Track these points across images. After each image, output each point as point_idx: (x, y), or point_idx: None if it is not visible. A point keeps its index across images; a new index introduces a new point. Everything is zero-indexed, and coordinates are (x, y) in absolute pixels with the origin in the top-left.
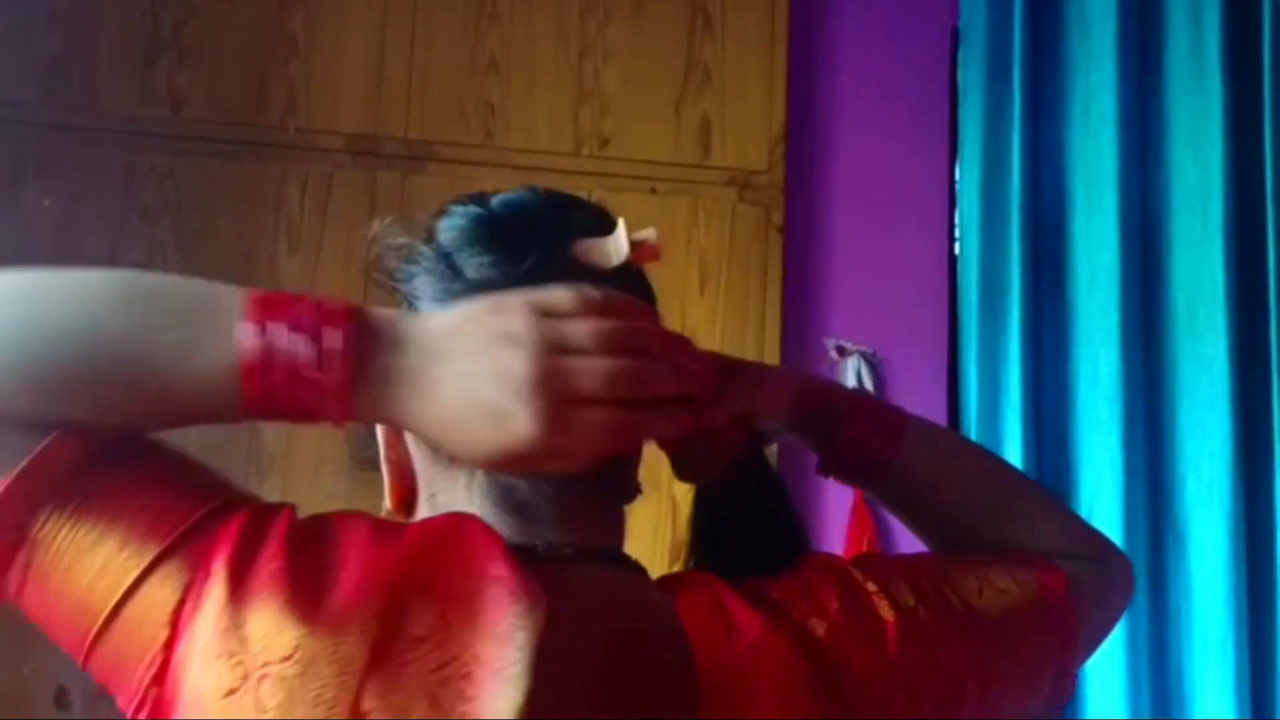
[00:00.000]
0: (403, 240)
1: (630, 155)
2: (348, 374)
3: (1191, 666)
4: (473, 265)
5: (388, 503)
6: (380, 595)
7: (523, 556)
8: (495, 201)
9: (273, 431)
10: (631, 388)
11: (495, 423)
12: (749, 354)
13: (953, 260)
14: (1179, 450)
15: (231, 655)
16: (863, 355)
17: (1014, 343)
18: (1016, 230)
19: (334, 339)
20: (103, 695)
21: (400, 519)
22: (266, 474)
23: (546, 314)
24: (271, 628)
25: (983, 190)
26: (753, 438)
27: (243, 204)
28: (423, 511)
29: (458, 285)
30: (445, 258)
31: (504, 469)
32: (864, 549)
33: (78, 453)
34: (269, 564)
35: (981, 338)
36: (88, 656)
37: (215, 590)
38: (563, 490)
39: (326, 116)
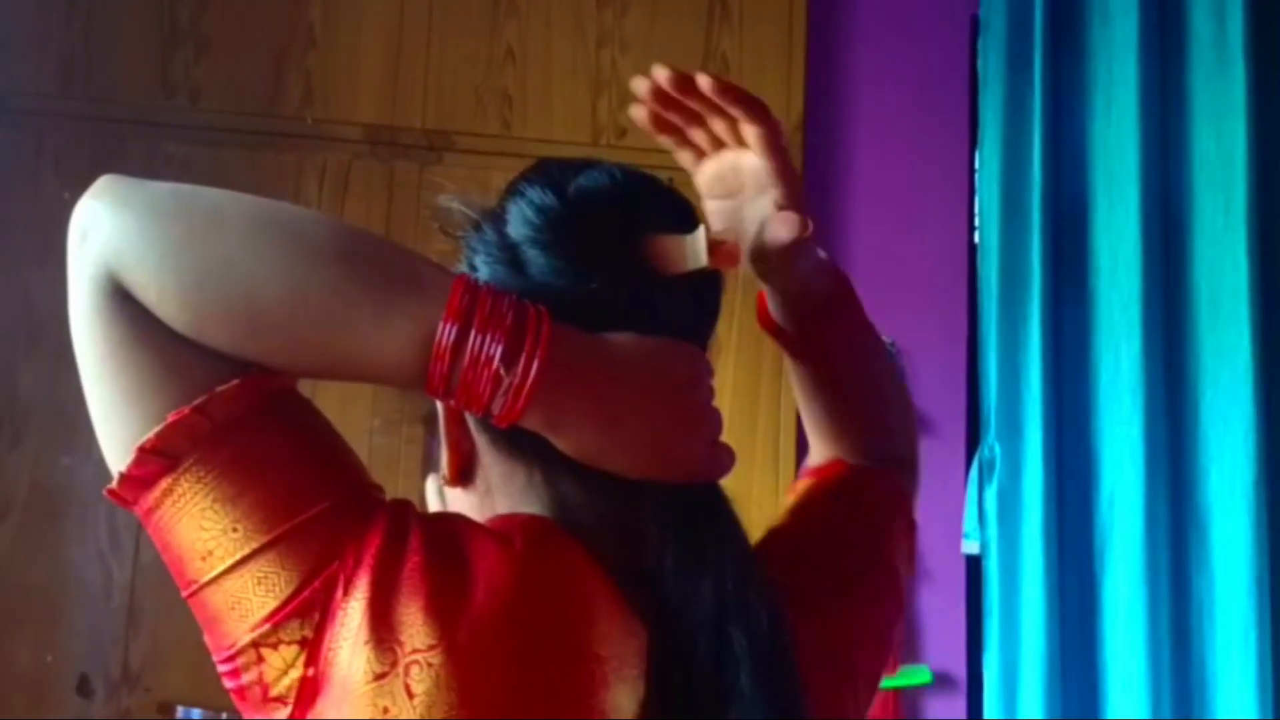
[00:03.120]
0: (473, 212)
1: (647, 145)
2: (535, 384)
3: (1214, 657)
4: (538, 265)
5: (444, 471)
6: (507, 594)
7: None
8: (572, 190)
9: None
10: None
11: (662, 462)
12: (767, 348)
13: (972, 251)
14: (1201, 442)
15: (381, 642)
16: None
17: (1034, 334)
18: (1037, 221)
19: (530, 346)
20: (124, 684)
21: (455, 488)
22: None
23: (705, 369)
24: (418, 619)
25: (1003, 181)
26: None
27: (261, 194)
28: (477, 495)
29: (518, 281)
30: (510, 249)
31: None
32: None
33: (252, 403)
34: (411, 560)
35: (1001, 329)
36: (189, 598)
37: (364, 580)
38: (610, 503)
39: (344, 107)
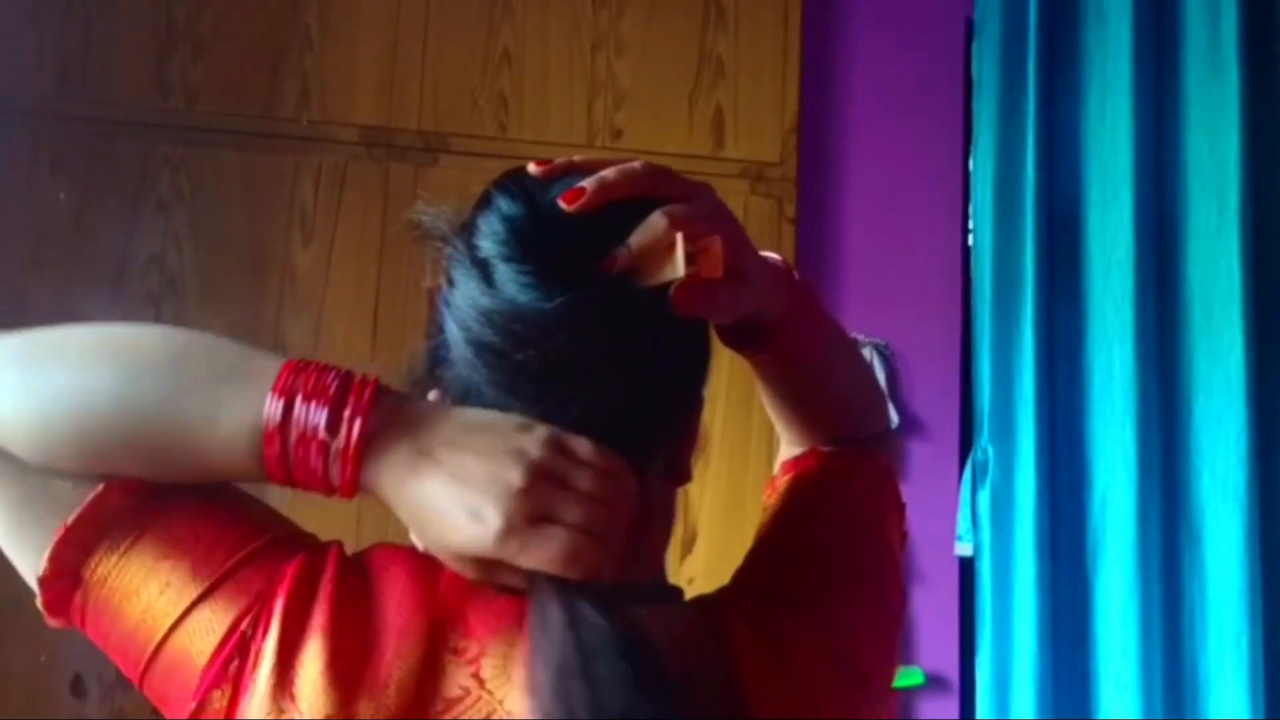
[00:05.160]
0: (447, 226)
1: (643, 147)
2: (359, 446)
3: (1206, 660)
4: (509, 279)
5: None
6: (417, 654)
7: (545, 593)
8: (545, 198)
9: None
10: (594, 524)
11: (468, 517)
12: None
13: (966, 252)
14: (1194, 445)
15: (282, 712)
16: (875, 347)
17: (1027, 336)
18: (1031, 222)
19: (352, 410)
20: (118, 684)
21: None
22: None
23: (566, 453)
24: (318, 687)
25: (997, 182)
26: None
27: (257, 196)
28: None
29: (490, 298)
30: (481, 264)
31: (462, 569)
32: None
33: (128, 497)
34: (317, 619)
35: (995, 330)
36: (141, 682)
37: (270, 646)
38: None
39: (340, 108)
